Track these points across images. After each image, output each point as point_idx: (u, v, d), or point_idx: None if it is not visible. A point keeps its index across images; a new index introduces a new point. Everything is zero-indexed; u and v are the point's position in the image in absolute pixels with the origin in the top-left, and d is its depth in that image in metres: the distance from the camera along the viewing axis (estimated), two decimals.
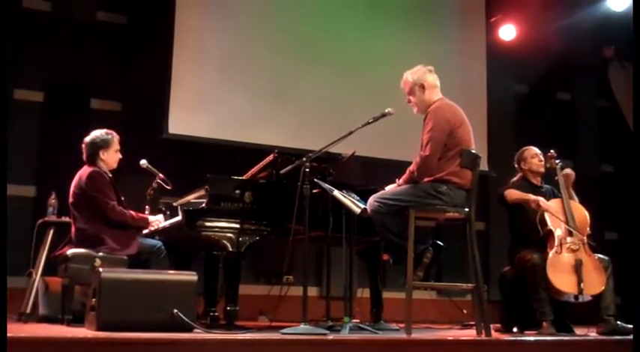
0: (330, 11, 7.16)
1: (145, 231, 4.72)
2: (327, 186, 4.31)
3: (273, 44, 6.81)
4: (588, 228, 4.74)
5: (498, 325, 4.80)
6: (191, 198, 4.64)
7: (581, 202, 4.89)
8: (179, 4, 6.48)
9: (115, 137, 4.69)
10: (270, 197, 4.46)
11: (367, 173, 6.49)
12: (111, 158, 4.66)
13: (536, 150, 5.06)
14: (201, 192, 4.49)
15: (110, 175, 4.65)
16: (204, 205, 4.31)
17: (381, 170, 6.24)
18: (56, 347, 2.91)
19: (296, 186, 3.99)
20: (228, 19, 6.72)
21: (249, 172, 4.77)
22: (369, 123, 4.23)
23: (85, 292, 4.12)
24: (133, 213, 4.57)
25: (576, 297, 4.51)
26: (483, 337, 3.94)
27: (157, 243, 4.62)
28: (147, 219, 4.67)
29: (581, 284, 4.48)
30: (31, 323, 4.72)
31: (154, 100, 6.35)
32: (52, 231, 5.13)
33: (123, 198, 4.62)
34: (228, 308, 4.30)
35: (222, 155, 6.36)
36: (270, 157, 4.62)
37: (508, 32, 7.88)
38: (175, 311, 3.54)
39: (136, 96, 6.38)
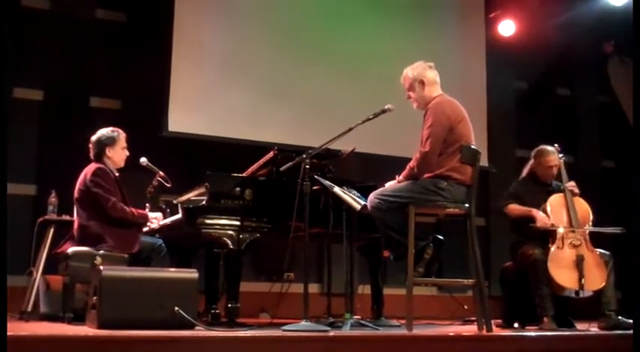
0: (329, 9, 7.15)
1: (144, 229, 4.72)
2: (327, 182, 4.31)
3: (272, 41, 6.80)
4: (591, 223, 4.74)
5: (499, 320, 4.80)
6: (191, 195, 4.63)
7: (582, 198, 4.88)
8: (178, 1, 6.45)
9: (121, 134, 4.69)
10: (270, 194, 4.46)
11: (367, 169, 6.48)
12: (117, 155, 4.66)
13: (556, 161, 4.95)
14: (202, 190, 4.48)
15: (117, 174, 4.65)
16: (204, 203, 4.31)
17: (381, 166, 6.22)
18: (57, 346, 2.91)
19: (296, 183, 3.99)
20: (228, 16, 6.70)
21: (249, 169, 4.77)
22: (368, 119, 4.23)
23: (85, 290, 4.11)
24: (133, 209, 4.57)
25: (577, 293, 4.52)
26: (484, 332, 3.95)
27: (157, 241, 4.63)
28: (147, 215, 4.68)
29: (583, 280, 4.49)
30: (32, 321, 4.71)
31: (154, 98, 6.34)
32: (52, 230, 5.13)
33: (127, 198, 4.62)
34: (229, 305, 4.29)
35: (222, 152, 6.35)
36: (270, 154, 4.62)
37: (507, 28, 7.86)
38: (176, 308, 3.55)
39: (136, 94, 6.37)
